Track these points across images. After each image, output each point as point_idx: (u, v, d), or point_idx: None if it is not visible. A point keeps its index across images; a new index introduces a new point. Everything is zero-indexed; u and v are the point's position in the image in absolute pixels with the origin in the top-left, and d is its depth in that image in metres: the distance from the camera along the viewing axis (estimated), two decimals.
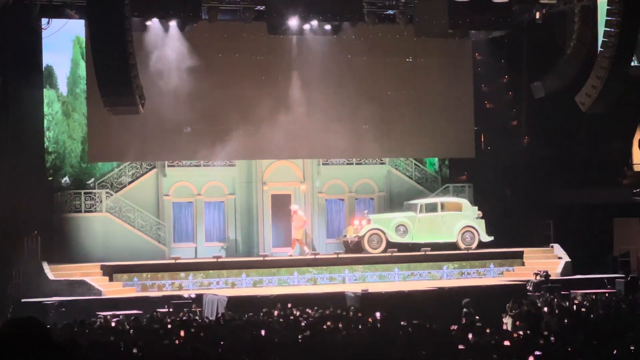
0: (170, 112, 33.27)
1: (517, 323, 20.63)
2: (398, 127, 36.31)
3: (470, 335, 17.31)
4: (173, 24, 32.08)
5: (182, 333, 18.39)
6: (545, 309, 22.94)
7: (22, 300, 28.35)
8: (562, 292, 29.67)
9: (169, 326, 20.18)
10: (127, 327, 20.87)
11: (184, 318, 23.02)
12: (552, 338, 16.81)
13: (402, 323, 19.62)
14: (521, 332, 18.10)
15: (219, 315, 23.98)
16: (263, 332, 18.10)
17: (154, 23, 32.14)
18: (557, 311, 22.31)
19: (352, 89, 35.57)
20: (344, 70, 35.47)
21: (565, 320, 20.26)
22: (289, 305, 24.75)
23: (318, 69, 34.99)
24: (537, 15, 34.35)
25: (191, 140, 34.22)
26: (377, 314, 21.69)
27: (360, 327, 19.46)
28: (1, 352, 3.89)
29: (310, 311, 23.49)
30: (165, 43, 32.81)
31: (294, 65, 34.96)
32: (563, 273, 33.59)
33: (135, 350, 15.97)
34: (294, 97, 34.96)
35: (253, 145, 34.74)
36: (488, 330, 18.27)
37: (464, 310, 24.29)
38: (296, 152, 35.62)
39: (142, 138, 33.18)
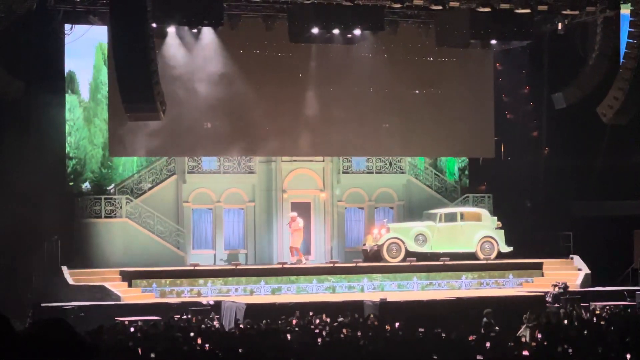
0: (191, 109, 33.40)
1: (536, 334, 20.55)
2: (418, 127, 36.23)
3: (488, 345, 17.27)
4: (195, 30, 32.20)
5: (199, 340, 18.42)
6: (565, 320, 22.85)
7: (42, 304, 28.44)
8: (582, 304, 29.53)
9: (188, 333, 20.21)
10: (146, 332, 20.91)
11: (202, 325, 23.05)
12: (571, 350, 16.75)
13: (419, 331, 19.59)
14: (540, 343, 18.04)
15: (237, 322, 24.00)
16: (288, 337, 18.10)
17: (176, 29, 32.24)
18: (576, 323, 22.23)
19: (372, 90, 35.69)
20: (365, 72, 35.49)
21: (585, 332, 20.19)
22: (311, 314, 24.72)
23: (339, 71, 35.03)
24: (559, 26, 34.30)
25: (211, 136, 34.29)
26: (397, 324, 21.66)
27: (378, 335, 19.44)
28: (31, 351, 3.93)
29: (328, 319, 23.47)
30: (187, 48, 32.95)
31: (315, 67, 35.00)
32: (583, 285, 33.44)
33: (152, 355, 16.00)
34: (315, 96, 35.00)
35: (273, 143, 34.80)
36: (507, 341, 18.22)
37: (484, 320, 24.22)
38: (316, 150, 35.61)
39: (162, 134, 33.14)
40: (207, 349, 17.06)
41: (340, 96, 35.30)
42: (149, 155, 34.96)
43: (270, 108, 34.70)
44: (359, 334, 19.73)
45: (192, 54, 33.22)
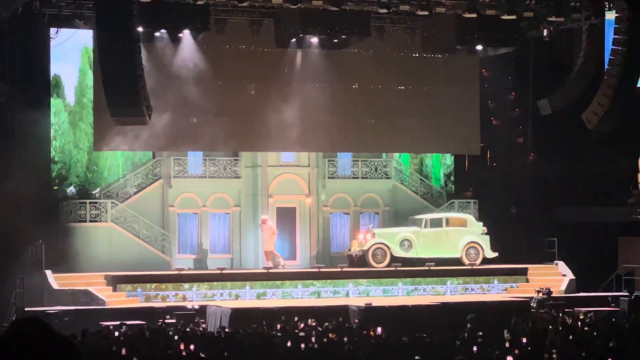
0: (177, 105, 33.34)
1: (521, 339, 20.58)
2: (404, 123, 36.22)
3: (474, 350, 17.29)
4: (181, 34, 32.16)
5: (183, 345, 18.39)
6: (549, 326, 22.90)
7: (26, 309, 28.34)
8: (566, 310, 29.60)
9: (173, 337, 20.17)
10: (130, 337, 20.87)
11: (187, 329, 23.01)
12: (555, 355, 16.79)
13: (404, 337, 19.60)
14: (524, 349, 18.08)
15: (223, 327, 23.96)
16: (274, 342, 18.09)
17: (162, 33, 32.18)
18: (560, 328, 22.28)
19: (358, 86, 35.73)
20: (351, 70, 35.55)
21: (569, 337, 20.23)
22: (296, 319, 24.70)
23: (324, 69, 34.99)
24: (545, 32, 34.42)
25: (197, 132, 34.17)
26: (379, 329, 21.66)
27: (363, 340, 19.44)
28: (10, 352, 3.92)
29: (314, 324, 23.46)
30: (174, 52, 32.94)
31: (300, 65, 34.97)
32: (567, 290, 33.54)
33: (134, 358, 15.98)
34: (300, 92, 35.02)
35: (258, 138, 34.82)
36: (491, 347, 18.25)
37: (468, 325, 24.23)
38: (302, 146, 35.57)
39: (147, 129, 32.85)
40: (192, 352, 17.04)
41: (325, 93, 35.32)
42: (133, 150, 34.78)
43: (256, 104, 34.68)
44: (345, 339, 19.72)
45: (178, 57, 33.14)
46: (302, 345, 17.94)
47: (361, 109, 35.80)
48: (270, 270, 33.05)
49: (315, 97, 35.23)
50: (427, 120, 36.42)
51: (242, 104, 34.59)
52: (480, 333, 21.62)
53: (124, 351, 16.70)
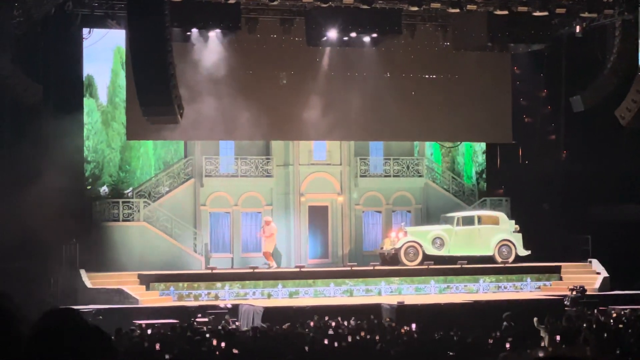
0: (210, 95, 33.18)
1: (555, 337, 20.48)
2: (436, 112, 35.88)
3: (507, 347, 17.22)
4: (212, 33, 32.19)
5: (215, 342, 18.44)
6: (584, 324, 22.76)
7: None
8: (600, 308, 29.39)
9: (206, 335, 20.22)
10: (164, 335, 20.94)
11: (219, 327, 23.06)
12: (589, 353, 16.67)
13: (437, 334, 19.56)
14: (558, 347, 17.98)
15: (255, 325, 24.00)
16: (306, 340, 18.10)
17: (194, 33, 32.21)
18: (594, 326, 22.14)
19: (390, 76, 35.51)
20: (382, 64, 35.30)
21: (605, 335, 20.11)
22: (326, 318, 24.70)
23: (356, 59, 34.75)
24: (577, 28, 34.18)
25: (230, 121, 33.87)
26: (413, 325, 21.63)
27: (396, 338, 19.42)
28: (44, 340, 3.97)
29: (346, 323, 23.45)
30: (205, 51, 32.94)
31: (333, 57, 34.75)
32: (601, 289, 33.29)
33: (167, 357, 16.02)
34: (331, 82, 34.81)
35: (290, 127, 34.68)
36: (525, 344, 18.17)
37: (504, 324, 24.13)
38: (335, 134, 35.35)
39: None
40: (225, 350, 17.07)
41: (356, 82, 35.13)
42: (166, 139, 34.59)
43: (287, 94, 34.54)
44: (377, 337, 19.70)
45: (209, 55, 33.09)
46: (334, 344, 17.93)
47: (392, 98, 35.42)
48: (302, 269, 32.95)
49: (346, 87, 35.07)
50: (458, 108, 36.03)
51: (273, 94, 34.44)
52: (516, 331, 21.55)
53: (157, 347, 16.77)
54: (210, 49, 33.02)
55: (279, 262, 35.16)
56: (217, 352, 17.40)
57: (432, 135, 37.47)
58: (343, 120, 34.96)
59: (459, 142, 39.46)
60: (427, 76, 36.24)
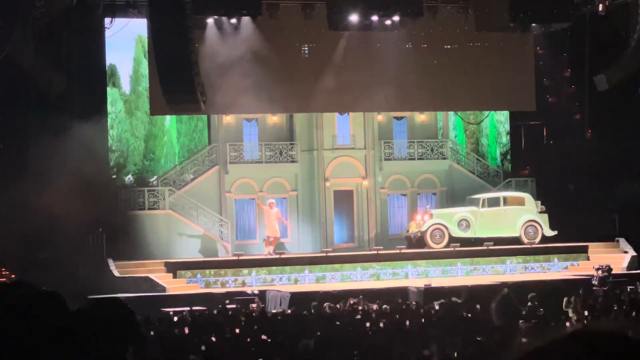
0: (233, 70, 33.04)
1: (583, 311, 20.43)
2: (458, 81, 35.37)
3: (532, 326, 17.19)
4: (233, 20, 32.16)
5: (245, 325, 18.48)
6: (614, 303, 22.68)
7: (88, 297, 28.60)
8: (629, 287, 29.26)
9: (235, 319, 20.27)
10: (193, 321, 21.00)
11: (248, 311, 23.12)
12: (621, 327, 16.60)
13: (464, 314, 19.54)
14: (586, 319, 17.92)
15: (283, 311, 24.03)
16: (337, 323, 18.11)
17: (215, 20, 32.19)
18: (624, 306, 22.06)
19: (412, 46, 35.27)
20: (404, 39, 35.04)
21: (634, 314, 20.04)
22: (351, 301, 24.70)
23: (377, 37, 34.57)
24: (600, 7, 33.94)
25: (253, 94, 33.57)
26: (436, 305, 21.58)
27: (422, 318, 19.42)
28: (90, 328, 4.04)
29: (374, 306, 23.46)
30: (227, 38, 32.89)
31: (354, 38, 34.56)
32: (629, 267, 33.16)
33: (203, 348, 16.06)
34: (354, 53, 34.53)
35: (316, 101, 34.46)
36: (553, 324, 18.13)
37: (529, 304, 24.07)
38: (358, 106, 35.21)
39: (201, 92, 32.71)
40: (254, 334, 17.10)
41: (379, 53, 34.86)
42: (189, 114, 34.47)
43: (310, 67, 34.37)
44: (406, 320, 19.69)
45: (231, 41, 32.99)
46: (365, 326, 17.95)
47: (414, 69, 35.17)
48: (329, 254, 32.90)
49: (368, 58, 34.85)
50: (480, 77, 35.70)
51: (296, 67, 34.33)
52: (542, 310, 21.49)
53: (186, 331, 16.82)
54: (231, 38, 32.94)
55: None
56: (246, 336, 17.44)
57: (455, 104, 37.04)
58: (366, 93, 34.69)
59: (483, 117, 39.25)
60: (449, 46, 35.94)
